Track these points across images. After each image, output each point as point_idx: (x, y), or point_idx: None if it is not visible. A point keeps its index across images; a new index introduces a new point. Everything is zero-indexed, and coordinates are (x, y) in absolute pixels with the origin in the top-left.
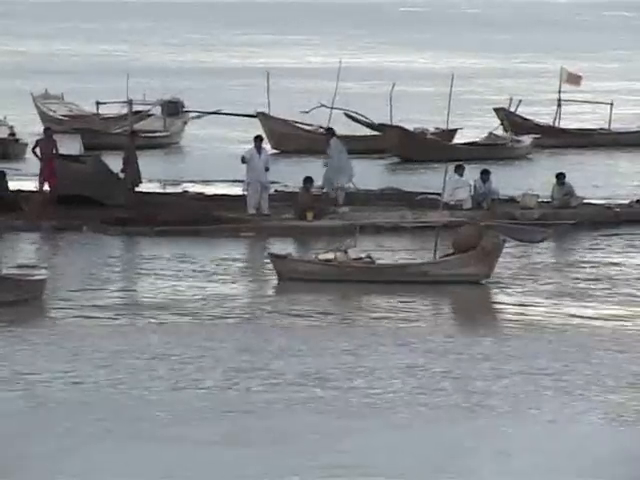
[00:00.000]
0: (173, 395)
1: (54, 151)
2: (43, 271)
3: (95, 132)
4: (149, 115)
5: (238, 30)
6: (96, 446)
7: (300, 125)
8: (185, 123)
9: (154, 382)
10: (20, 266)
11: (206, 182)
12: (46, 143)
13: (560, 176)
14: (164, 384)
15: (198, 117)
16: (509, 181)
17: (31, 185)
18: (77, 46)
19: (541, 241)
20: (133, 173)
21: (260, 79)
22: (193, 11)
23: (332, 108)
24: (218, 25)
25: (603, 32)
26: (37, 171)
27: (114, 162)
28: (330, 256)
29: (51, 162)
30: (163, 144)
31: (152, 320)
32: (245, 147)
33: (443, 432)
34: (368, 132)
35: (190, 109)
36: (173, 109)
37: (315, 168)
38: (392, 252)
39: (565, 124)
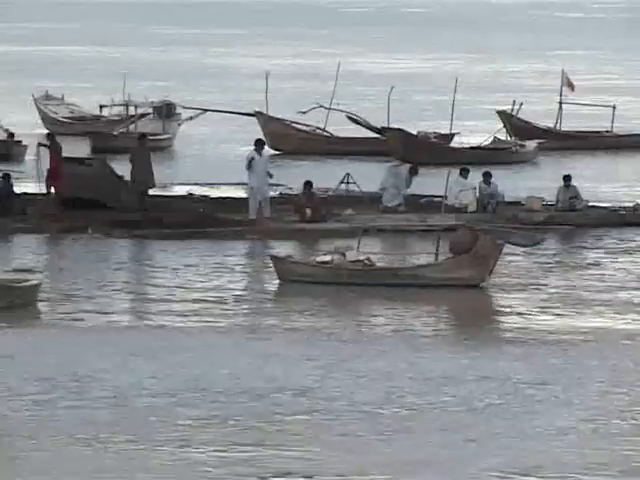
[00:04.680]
0: (172, 398)
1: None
2: (38, 276)
3: (101, 134)
4: (143, 115)
5: (226, 30)
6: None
7: (297, 125)
8: (179, 125)
9: (149, 385)
10: (15, 270)
11: (211, 185)
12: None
13: (566, 178)
14: (162, 387)
15: (191, 118)
16: (514, 184)
17: (34, 187)
18: (65, 47)
19: (536, 245)
20: (144, 176)
21: (245, 80)
22: (167, 12)
23: (329, 109)
24: (202, 25)
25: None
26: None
27: (120, 165)
28: (327, 258)
29: (56, 165)
30: (164, 147)
31: (153, 322)
32: (239, 148)
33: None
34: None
35: (186, 108)
36: (167, 111)
37: (312, 169)
38: (395, 255)
39: (566, 126)
